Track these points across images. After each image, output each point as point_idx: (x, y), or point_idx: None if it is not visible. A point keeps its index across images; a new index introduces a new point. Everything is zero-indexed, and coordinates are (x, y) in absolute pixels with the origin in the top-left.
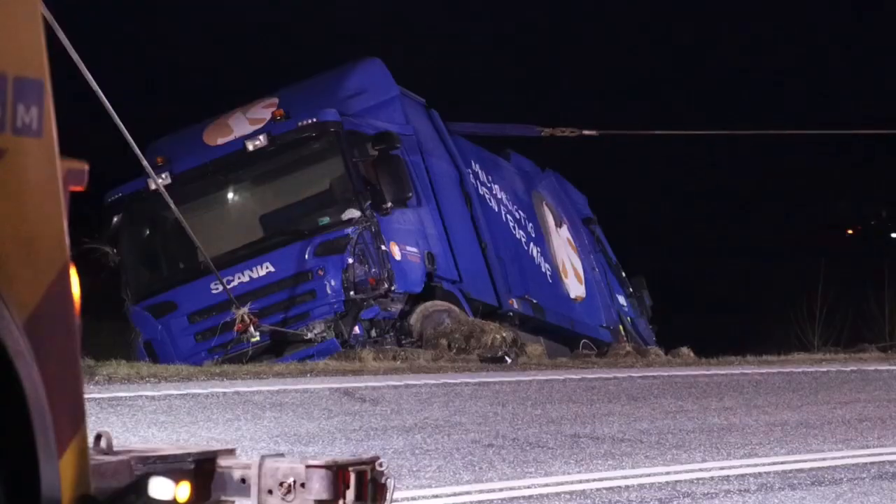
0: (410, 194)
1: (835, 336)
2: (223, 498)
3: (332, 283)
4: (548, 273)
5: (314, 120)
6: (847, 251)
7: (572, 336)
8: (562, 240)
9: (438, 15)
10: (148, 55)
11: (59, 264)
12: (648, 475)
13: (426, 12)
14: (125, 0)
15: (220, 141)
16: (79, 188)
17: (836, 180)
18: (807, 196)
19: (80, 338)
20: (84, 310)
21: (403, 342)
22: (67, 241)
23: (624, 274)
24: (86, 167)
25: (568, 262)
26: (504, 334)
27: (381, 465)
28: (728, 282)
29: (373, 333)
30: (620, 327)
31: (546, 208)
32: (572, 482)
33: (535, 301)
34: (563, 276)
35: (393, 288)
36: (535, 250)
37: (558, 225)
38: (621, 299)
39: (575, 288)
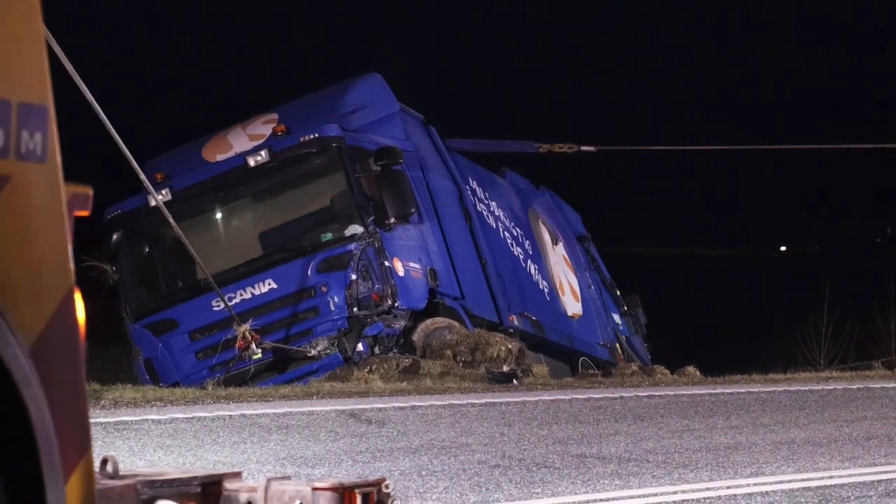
0: (413, 210)
1: (841, 354)
2: None
3: (336, 299)
4: (545, 290)
5: (316, 135)
6: (852, 269)
7: (571, 353)
8: (558, 257)
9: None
10: (144, 74)
11: (65, 289)
12: (655, 495)
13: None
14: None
15: (220, 157)
16: (83, 213)
17: (841, 198)
18: (813, 213)
19: (85, 362)
20: (89, 334)
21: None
22: (72, 266)
23: (619, 292)
24: (90, 192)
25: (564, 279)
26: (510, 345)
27: (387, 486)
28: (731, 300)
29: (376, 350)
30: (617, 345)
31: (542, 226)
32: (579, 502)
33: (534, 318)
34: (560, 293)
35: (396, 304)
36: (532, 267)
37: (554, 242)
38: (617, 317)
39: (572, 305)
